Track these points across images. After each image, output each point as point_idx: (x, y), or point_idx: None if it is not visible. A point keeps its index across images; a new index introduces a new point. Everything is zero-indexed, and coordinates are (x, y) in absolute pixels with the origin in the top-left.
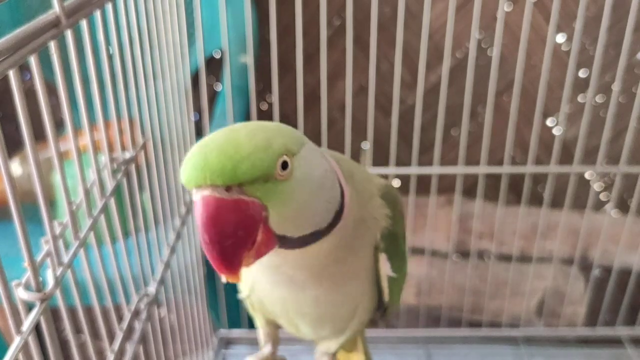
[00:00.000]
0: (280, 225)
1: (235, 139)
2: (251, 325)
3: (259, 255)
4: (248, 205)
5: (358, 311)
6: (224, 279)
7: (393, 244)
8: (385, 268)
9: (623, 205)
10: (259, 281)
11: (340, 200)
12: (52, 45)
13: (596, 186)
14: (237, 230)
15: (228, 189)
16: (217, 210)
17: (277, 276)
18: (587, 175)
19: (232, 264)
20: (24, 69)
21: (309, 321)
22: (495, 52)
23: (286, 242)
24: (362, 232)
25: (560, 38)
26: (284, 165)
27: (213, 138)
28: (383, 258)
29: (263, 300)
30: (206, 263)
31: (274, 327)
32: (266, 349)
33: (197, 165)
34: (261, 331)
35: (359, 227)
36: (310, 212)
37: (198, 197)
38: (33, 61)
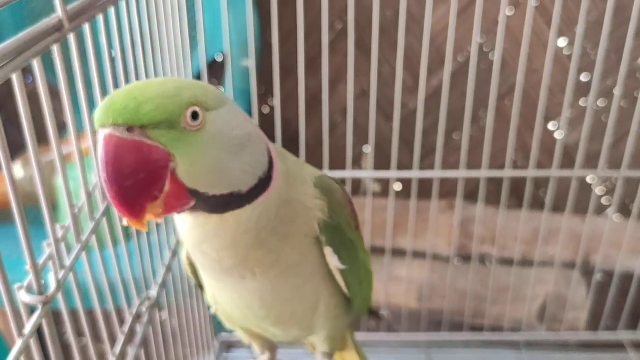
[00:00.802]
0: (191, 177)
1: (145, 85)
2: None
3: (169, 207)
4: (150, 149)
5: (320, 308)
6: (125, 221)
7: (337, 236)
8: (334, 261)
9: (625, 210)
10: (216, 287)
11: (268, 169)
12: (55, 49)
13: (598, 190)
14: (137, 172)
15: (130, 129)
16: (115, 149)
17: (207, 261)
18: (588, 180)
19: (133, 207)
20: (26, 72)
21: (271, 322)
22: (496, 57)
23: (202, 200)
24: (291, 216)
25: (562, 42)
26: (195, 116)
27: (129, 85)
28: (329, 251)
29: (226, 309)
30: None
31: (258, 335)
32: (264, 357)
33: (103, 106)
34: (252, 343)
35: (286, 209)
36: (224, 169)
37: (101, 136)
38: (36, 65)
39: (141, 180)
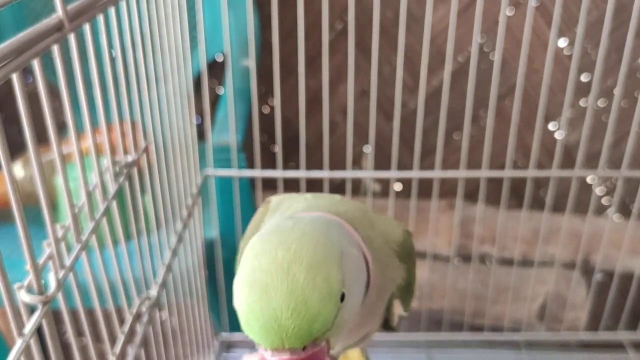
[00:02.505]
0: (337, 340)
1: (298, 289)
2: None
3: None
4: (319, 354)
5: (368, 336)
6: None
7: (407, 291)
8: (398, 310)
9: (625, 210)
10: None
11: (367, 274)
12: (55, 49)
13: (598, 190)
14: None
15: (304, 347)
16: None
17: None
18: (588, 180)
19: None
20: (26, 72)
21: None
22: (497, 57)
23: None
24: (382, 295)
25: (562, 42)
26: (342, 298)
27: (270, 282)
28: (397, 303)
29: None
30: (207, 266)
31: None
32: None
33: (270, 329)
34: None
35: (380, 292)
36: (355, 311)
37: (274, 358)
38: (36, 64)
39: None
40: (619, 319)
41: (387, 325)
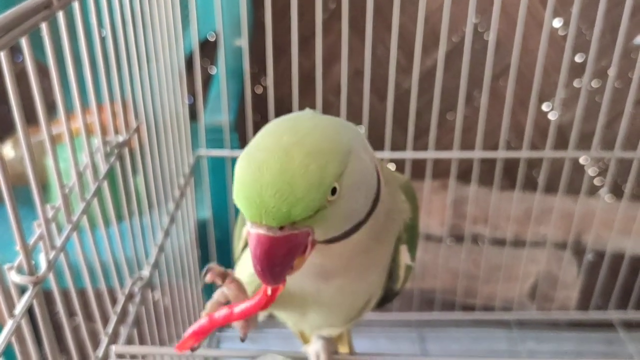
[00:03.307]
0: (325, 235)
1: (289, 171)
2: None
3: (303, 262)
4: (297, 237)
5: (371, 301)
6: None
7: (413, 234)
8: (405, 258)
9: (617, 190)
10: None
11: (377, 187)
12: (44, 27)
13: (590, 171)
14: (286, 260)
15: (281, 227)
16: (270, 249)
17: (305, 267)
18: (581, 160)
19: (279, 280)
20: (15, 50)
21: (324, 311)
22: (491, 37)
23: (328, 240)
24: (389, 222)
25: (557, 23)
26: (333, 192)
27: (267, 159)
28: (404, 249)
29: (284, 304)
30: (200, 246)
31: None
32: (318, 345)
33: (252, 202)
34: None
35: (387, 217)
36: (353, 215)
37: (253, 230)
38: (24, 43)
39: (288, 261)
40: (609, 299)
41: (386, 298)
